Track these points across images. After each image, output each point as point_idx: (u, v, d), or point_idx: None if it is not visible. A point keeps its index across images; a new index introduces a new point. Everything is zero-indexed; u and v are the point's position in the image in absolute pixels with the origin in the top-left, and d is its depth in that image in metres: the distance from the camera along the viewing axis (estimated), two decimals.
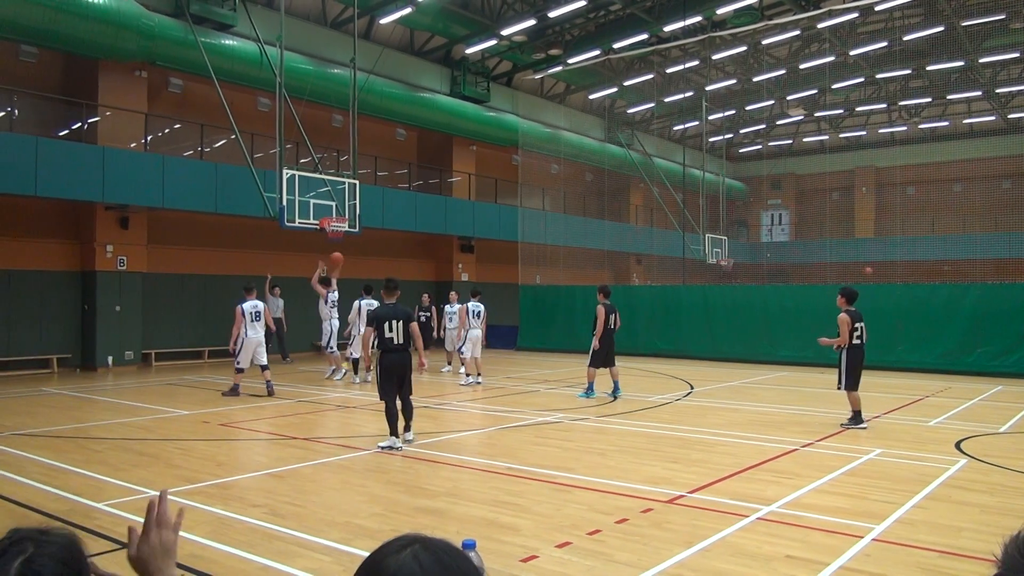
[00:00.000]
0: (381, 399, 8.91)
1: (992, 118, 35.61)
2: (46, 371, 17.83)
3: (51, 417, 11.16)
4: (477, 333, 15.78)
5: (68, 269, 18.54)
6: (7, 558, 1.23)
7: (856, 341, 10.43)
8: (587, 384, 13.26)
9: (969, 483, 7.12)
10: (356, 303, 15.83)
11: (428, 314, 18.81)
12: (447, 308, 18.09)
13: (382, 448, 8.65)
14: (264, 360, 13.65)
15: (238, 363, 13.36)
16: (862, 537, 5.39)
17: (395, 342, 8.82)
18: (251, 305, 13.50)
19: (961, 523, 5.78)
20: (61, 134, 18.37)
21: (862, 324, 10.56)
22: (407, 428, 9.00)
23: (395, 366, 8.84)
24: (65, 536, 1.32)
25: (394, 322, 8.84)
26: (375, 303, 16.38)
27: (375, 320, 8.92)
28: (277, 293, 19.84)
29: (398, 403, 8.87)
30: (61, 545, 1.30)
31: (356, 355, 15.70)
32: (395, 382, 8.85)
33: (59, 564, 1.26)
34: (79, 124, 18.48)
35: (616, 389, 13.32)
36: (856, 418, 10.31)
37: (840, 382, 10.45)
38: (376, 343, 8.93)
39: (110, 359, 18.41)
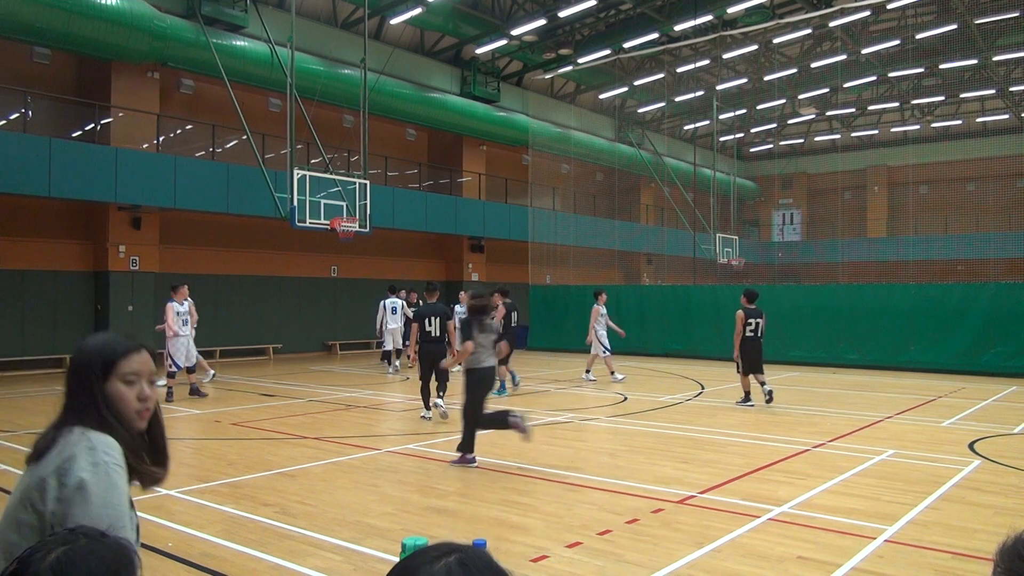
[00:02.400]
0: (420, 379, 10.88)
1: (1006, 116, 35.33)
2: (59, 370, 17.95)
3: None
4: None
5: (81, 269, 18.67)
6: (52, 545, 1.24)
7: (749, 334, 12.23)
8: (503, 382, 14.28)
9: (983, 484, 7.06)
10: (381, 302, 17.59)
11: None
12: (457, 308, 18.11)
13: (425, 418, 10.65)
14: (194, 361, 13.23)
15: (177, 364, 12.84)
16: (875, 538, 5.35)
17: (432, 335, 10.75)
18: (181, 306, 13.12)
19: (975, 525, 5.73)
20: (74, 135, 18.50)
21: (759, 320, 12.35)
22: (439, 397, 10.87)
23: (429, 354, 10.67)
24: (120, 543, 1.32)
25: (433, 318, 10.76)
26: (399, 302, 17.59)
27: (418, 316, 10.96)
28: (404, 295, 19.04)
29: (433, 383, 10.78)
30: (113, 549, 1.29)
31: (388, 347, 17.50)
32: (429, 366, 10.68)
33: (101, 563, 1.24)
34: (92, 125, 18.60)
35: (508, 383, 14.01)
36: (746, 398, 12.39)
37: (738, 367, 12.41)
38: (419, 335, 10.88)
39: None
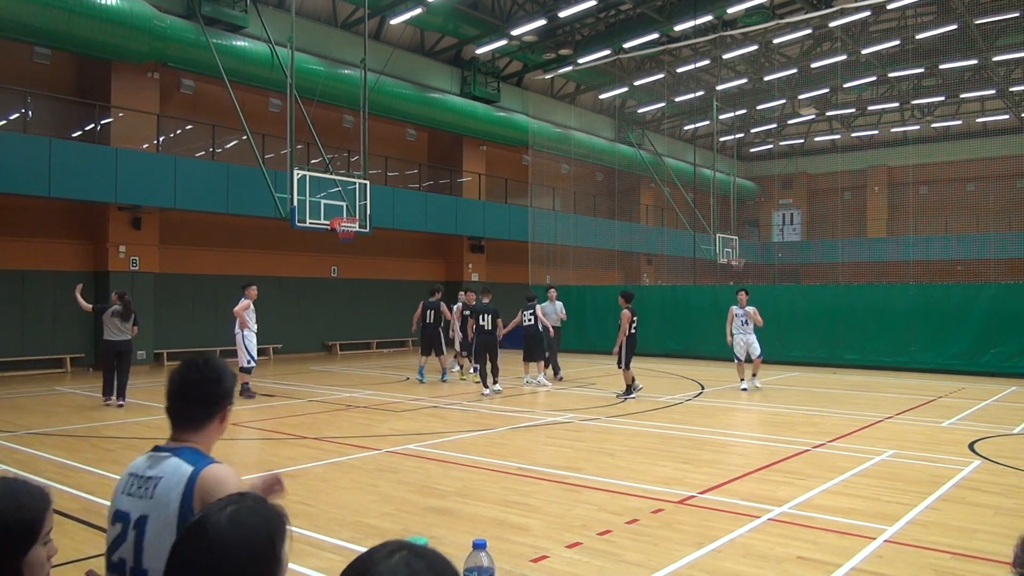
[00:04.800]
0: (475, 363, 14.12)
1: (1006, 116, 35.34)
2: (59, 370, 17.96)
3: (64, 416, 11.24)
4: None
5: (81, 269, 18.65)
6: (225, 503, 1.58)
7: (632, 331, 13.27)
8: (418, 368, 15.56)
9: (983, 484, 7.06)
10: (422, 302, 17.78)
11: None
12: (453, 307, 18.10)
13: (484, 395, 13.28)
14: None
15: (254, 358, 13.18)
16: (874, 538, 5.35)
17: (486, 328, 13.72)
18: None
19: (975, 525, 5.73)
20: (74, 135, 18.50)
21: (636, 319, 13.47)
22: (495, 380, 13.67)
23: (486, 344, 13.67)
24: (277, 509, 1.64)
25: (486, 315, 13.80)
26: (438, 303, 17.78)
27: (475, 313, 14.20)
28: (553, 296, 17.32)
29: (488, 366, 13.61)
30: (272, 512, 1.61)
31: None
32: (486, 353, 13.61)
33: (263, 520, 1.57)
34: (92, 125, 18.60)
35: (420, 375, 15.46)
36: (628, 390, 13.19)
37: (619, 363, 13.28)
38: (475, 329, 14.09)
39: None
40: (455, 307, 17.24)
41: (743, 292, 14.64)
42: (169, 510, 2.17)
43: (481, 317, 13.78)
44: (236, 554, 1.49)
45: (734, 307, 14.44)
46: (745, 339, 14.26)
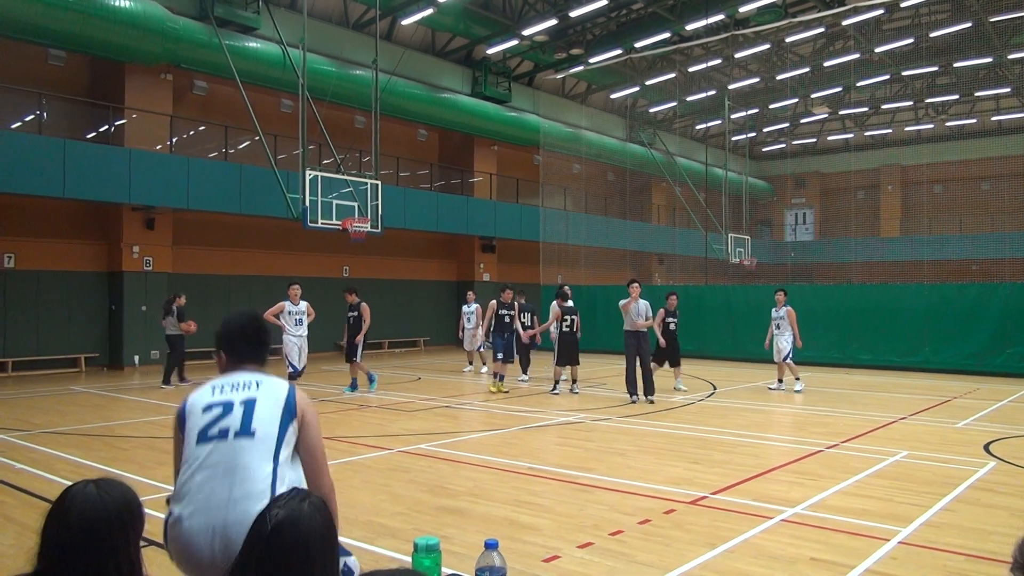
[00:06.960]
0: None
1: (1021, 115, 35.03)
2: (74, 370, 18.10)
3: (79, 415, 11.33)
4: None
5: (95, 270, 18.81)
6: (295, 496, 1.96)
7: (565, 329, 13.74)
8: (369, 378, 14.49)
9: (998, 486, 7.00)
10: (492, 301, 16.27)
11: (511, 312, 15.31)
12: (464, 308, 18.14)
13: (553, 389, 13.89)
14: (304, 363, 13.20)
15: (294, 365, 12.96)
16: (888, 540, 5.32)
17: (564, 329, 13.92)
18: (296, 306, 13.09)
19: (989, 526, 5.69)
20: (88, 136, 18.65)
21: (574, 317, 13.87)
22: (576, 380, 14.21)
23: (568, 343, 13.79)
24: (325, 504, 1.99)
25: (571, 316, 14.08)
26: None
27: (564, 313, 14.07)
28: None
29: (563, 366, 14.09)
30: (327, 511, 1.96)
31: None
32: (571, 352, 13.89)
33: (321, 510, 1.94)
34: (106, 126, 18.74)
35: (365, 382, 14.48)
36: (555, 386, 13.83)
37: (556, 360, 13.90)
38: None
39: (136, 358, 18.65)
40: (475, 306, 17.30)
41: (780, 292, 14.63)
42: (278, 398, 2.95)
43: (565, 317, 13.79)
44: (327, 527, 1.94)
45: (773, 309, 14.50)
46: (776, 341, 14.34)
